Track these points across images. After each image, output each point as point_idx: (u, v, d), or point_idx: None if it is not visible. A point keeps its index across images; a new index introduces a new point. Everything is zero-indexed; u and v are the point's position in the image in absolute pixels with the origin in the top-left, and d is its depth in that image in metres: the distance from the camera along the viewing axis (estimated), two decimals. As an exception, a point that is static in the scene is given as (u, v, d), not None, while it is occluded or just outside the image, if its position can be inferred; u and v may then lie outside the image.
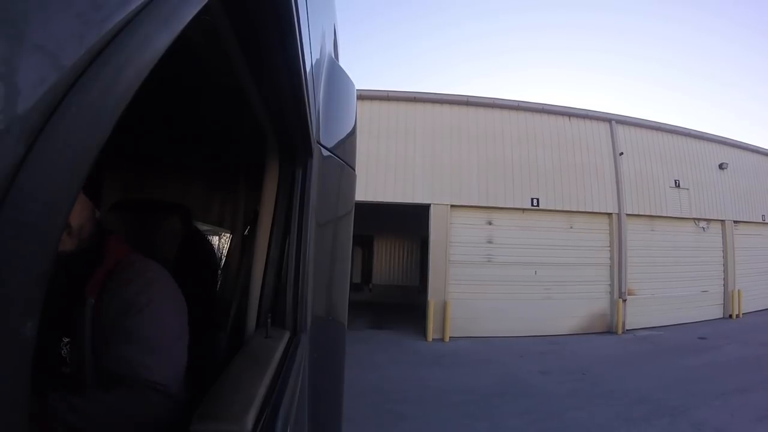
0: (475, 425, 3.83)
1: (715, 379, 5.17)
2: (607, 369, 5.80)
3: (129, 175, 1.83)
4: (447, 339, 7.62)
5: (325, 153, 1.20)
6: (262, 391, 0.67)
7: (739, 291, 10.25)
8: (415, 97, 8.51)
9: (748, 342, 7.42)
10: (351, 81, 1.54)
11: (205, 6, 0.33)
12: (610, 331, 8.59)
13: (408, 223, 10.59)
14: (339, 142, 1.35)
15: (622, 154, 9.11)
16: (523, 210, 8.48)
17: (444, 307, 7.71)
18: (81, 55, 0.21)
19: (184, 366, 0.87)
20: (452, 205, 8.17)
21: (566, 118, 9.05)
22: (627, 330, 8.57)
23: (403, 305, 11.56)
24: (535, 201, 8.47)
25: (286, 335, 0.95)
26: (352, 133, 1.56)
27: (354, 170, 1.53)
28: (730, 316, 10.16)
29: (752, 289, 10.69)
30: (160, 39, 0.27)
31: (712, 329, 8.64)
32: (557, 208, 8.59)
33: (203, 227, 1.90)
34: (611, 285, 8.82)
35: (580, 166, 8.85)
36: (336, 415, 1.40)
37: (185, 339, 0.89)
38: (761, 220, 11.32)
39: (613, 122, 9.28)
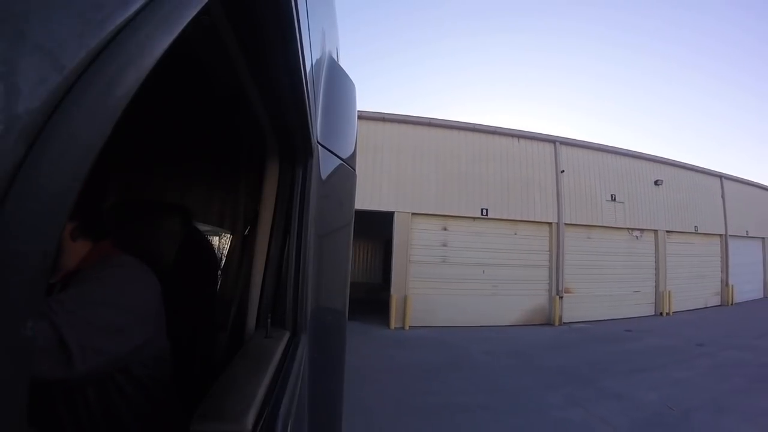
0: (429, 384, 4.99)
1: (627, 362, 6.18)
2: (540, 352, 6.92)
3: (129, 175, 1.82)
4: (407, 327, 8.79)
5: (325, 153, 1.20)
6: (262, 391, 0.67)
7: (669, 292, 11.62)
8: (383, 118, 9.60)
9: (668, 335, 8.52)
10: (351, 81, 1.54)
11: (205, 6, 0.33)
12: (548, 323, 9.94)
13: (372, 227, 11.50)
14: (339, 142, 1.35)
15: (563, 171, 10.55)
16: (474, 218, 9.82)
17: (405, 300, 8.95)
18: (81, 55, 0.21)
19: (108, 361, 0.78)
20: (413, 213, 9.45)
21: (515, 139, 10.46)
22: (564, 323, 9.93)
23: (367, 300, 12.39)
24: (484, 210, 9.85)
25: (286, 335, 0.95)
26: (353, 134, 1.56)
27: (354, 170, 1.52)
28: (661, 313, 11.48)
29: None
30: (160, 39, 0.27)
31: (639, 324, 9.85)
32: (504, 217, 9.98)
33: (203, 227, 1.89)
34: (550, 284, 10.23)
35: (525, 180, 10.25)
36: (336, 415, 1.39)
37: (125, 337, 0.81)
38: (693, 231, 12.88)
39: (557, 143, 10.71)
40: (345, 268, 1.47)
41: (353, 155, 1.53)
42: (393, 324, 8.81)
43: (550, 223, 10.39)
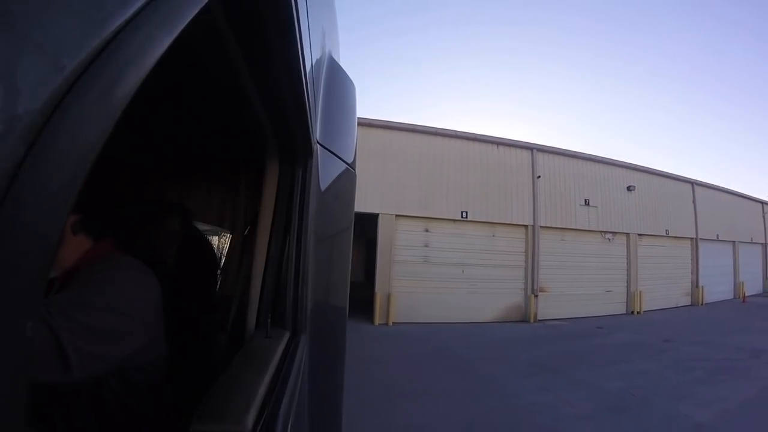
0: (414, 373, 5.50)
1: (597, 355, 6.71)
2: (515, 346, 7.44)
3: (129, 175, 1.82)
4: (391, 324, 9.25)
5: (326, 153, 1.20)
6: (262, 391, 0.67)
7: (640, 291, 12.24)
8: (370, 123, 9.90)
9: (637, 331, 9.03)
10: (351, 81, 1.54)
11: (205, 6, 0.33)
12: (524, 320, 10.51)
13: (355, 227, 11.55)
14: (339, 142, 1.35)
15: (539, 177, 11.09)
16: (455, 220, 10.32)
17: (389, 298, 9.42)
18: (82, 54, 0.21)
19: (107, 365, 0.78)
20: (397, 215, 9.88)
21: (494, 146, 11.00)
22: (539, 320, 10.49)
23: (350, 298, 12.53)
24: (464, 213, 10.34)
25: (286, 335, 0.95)
26: (353, 133, 1.56)
27: (354, 170, 1.52)
28: (632, 312, 12.06)
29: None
30: (160, 39, 0.27)
31: (611, 321, 10.45)
32: (482, 220, 10.51)
33: (203, 227, 1.89)
34: (526, 283, 10.81)
35: (503, 185, 10.82)
36: (336, 415, 1.39)
37: (124, 341, 0.81)
38: (665, 234, 13.48)
39: (534, 150, 11.29)
40: (345, 267, 1.47)
41: (353, 155, 1.53)
42: (377, 320, 9.22)
43: (526, 226, 10.94)
